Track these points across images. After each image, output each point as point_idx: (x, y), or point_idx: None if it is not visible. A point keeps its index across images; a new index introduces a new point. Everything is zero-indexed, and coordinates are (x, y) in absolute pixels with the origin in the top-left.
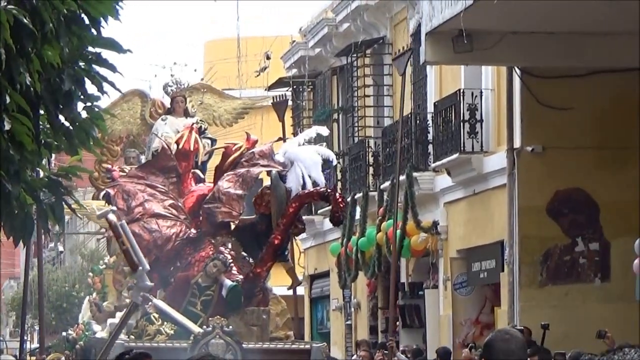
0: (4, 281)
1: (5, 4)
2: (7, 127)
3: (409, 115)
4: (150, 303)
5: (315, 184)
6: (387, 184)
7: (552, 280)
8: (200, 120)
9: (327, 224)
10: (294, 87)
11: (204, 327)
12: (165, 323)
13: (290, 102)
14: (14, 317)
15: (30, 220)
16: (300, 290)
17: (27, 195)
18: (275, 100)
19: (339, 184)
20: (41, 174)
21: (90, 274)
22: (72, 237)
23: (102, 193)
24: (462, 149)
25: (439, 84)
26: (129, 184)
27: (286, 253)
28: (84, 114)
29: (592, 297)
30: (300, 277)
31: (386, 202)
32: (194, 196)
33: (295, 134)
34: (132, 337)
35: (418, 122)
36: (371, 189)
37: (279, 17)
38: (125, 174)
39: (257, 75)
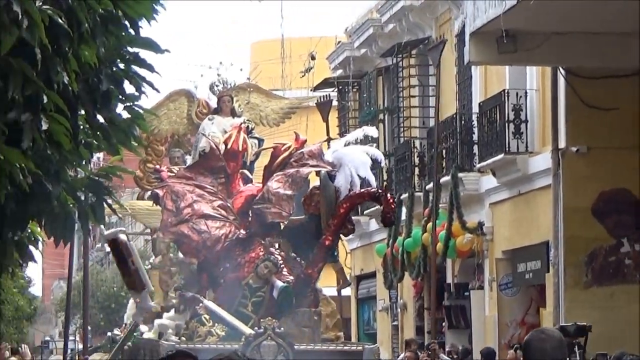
0: (54, 282)
1: (41, 3)
2: (44, 126)
3: (454, 116)
4: (200, 304)
5: (366, 183)
6: (432, 184)
7: (597, 282)
8: (247, 120)
9: (373, 225)
10: (339, 87)
11: (255, 328)
12: (216, 324)
13: (335, 103)
14: (62, 318)
15: (71, 220)
16: (347, 291)
17: (68, 195)
18: (319, 100)
19: (384, 184)
20: (82, 174)
21: None
22: None
23: (149, 193)
24: (507, 149)
25: (484, 84)
26: (177, 185)
27: (335, 254)
28: (124, 114)
29: (637, 298)
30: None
31: (431, 202)
32: (242, 197)
33: (340, 134)
34: (183, 338)
35: (463, 122)
36: (417, 190)
37: (324, 17)
38: (173, 174)
39: (302, 76)
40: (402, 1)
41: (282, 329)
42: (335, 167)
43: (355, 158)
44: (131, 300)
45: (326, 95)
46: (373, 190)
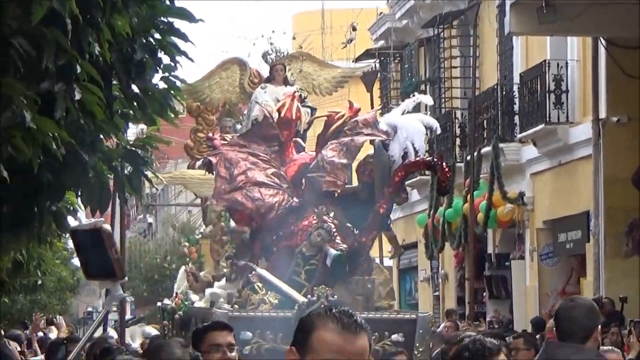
0: None
1: None
2: (77, 96)
3: (495, 86)
4: (253, 272)
5: (416, 153)
6: (471, 155)
7: (638, 251)
8: (300, 89)
9: (415, 195)
10: (381, 58)
11: (309, 296)
12: (269, 292)
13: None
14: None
15: (107, 190)
16: (388, 261)
17: (104, 165)
18: (365, 72)
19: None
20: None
21: (186, 243)
22: (163, 208)
23: (200, 162)
24: (547, 119)
25: (525, 54)
26: (231, 152)
27: (389, 222)
28: (162, 85)
29: None
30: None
31: (470, 173)
32: (296, 165)
33: (383, 105)
34: (236, 306)
35: (504, 92)
36: (458, 160)
37: None
38: (226, 142)
39: (344, 47)
40: None
41: (336, 297)
42: (390, 136)
43: (409, 126)
44: (182, 270)
45: (371, 66)
46: (428, 158)
